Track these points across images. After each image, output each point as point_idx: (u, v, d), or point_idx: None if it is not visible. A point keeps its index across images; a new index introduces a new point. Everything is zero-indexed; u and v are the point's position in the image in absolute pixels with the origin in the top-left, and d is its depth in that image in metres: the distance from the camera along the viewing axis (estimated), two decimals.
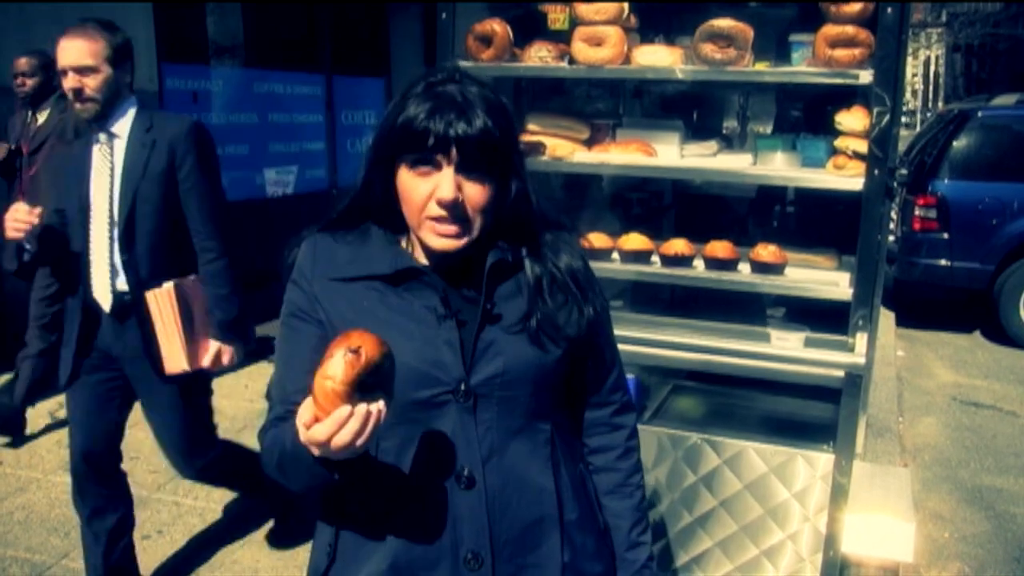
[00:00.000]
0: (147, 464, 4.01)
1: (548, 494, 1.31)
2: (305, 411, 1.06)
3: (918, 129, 15.25)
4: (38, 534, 3.41)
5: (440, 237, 1.22)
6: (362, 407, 1.05)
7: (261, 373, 4.98)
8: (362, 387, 1.05)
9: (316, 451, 1.08)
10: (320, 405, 1.04)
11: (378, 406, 1.07)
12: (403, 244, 1.32)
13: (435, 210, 1.20)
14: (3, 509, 3.59)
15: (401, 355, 1.22)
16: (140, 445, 4.21)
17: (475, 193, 1.21)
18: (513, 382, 1.27)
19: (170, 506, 3.64)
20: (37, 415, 4.55)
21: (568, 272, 1.33)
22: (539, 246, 1.32)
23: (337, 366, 1.04)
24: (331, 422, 1.04)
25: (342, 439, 1.04)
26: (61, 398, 4.77)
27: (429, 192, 1.20)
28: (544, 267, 1.31)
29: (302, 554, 3.24)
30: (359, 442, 1.05)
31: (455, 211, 1.20)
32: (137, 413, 4.57)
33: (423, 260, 1.30)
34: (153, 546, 3.34)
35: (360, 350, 1.04)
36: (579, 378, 1.41)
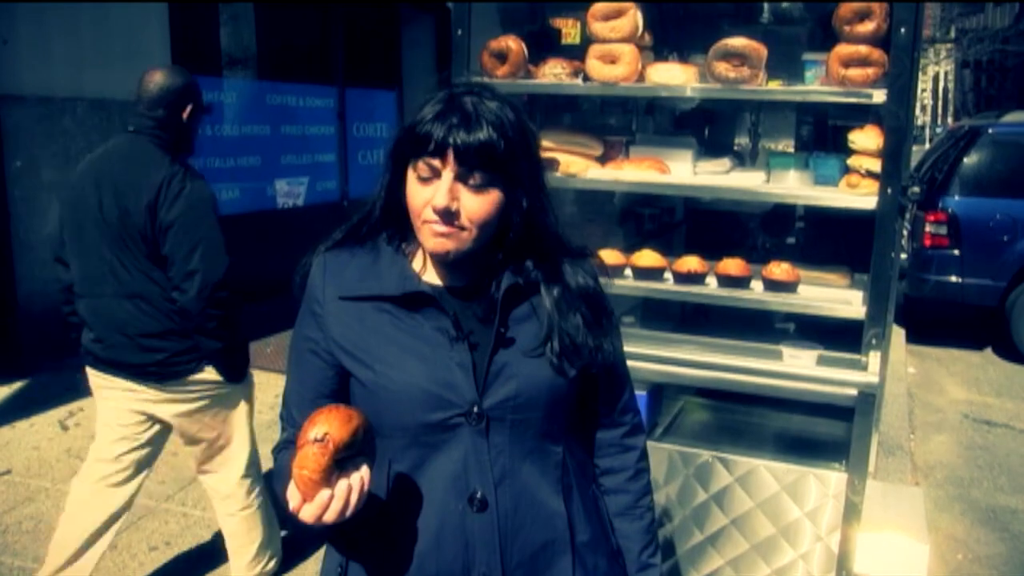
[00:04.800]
0: (156, 474, 4.02)
1: (559, 516, 1.31)
2: (292, 497, 1.12)
3: (927, 145, 15.24)
4: (46, 544, 3.39)
5: (435, 238, 1.22)
6: (342, 485, 1.11)
7: (271, 384, 4.98)
8: (339, 464, 1.11)
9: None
10: (302, 491, 1.10)
11: (360, 474, 1.12)
12: (415, 260, 1.32)
13: (430, 215, 1.20)
14: (12, 519, 3.59)
15: (413, 377, 1.23)
16: None
17: (472, 204, 1.20)
18: (526, 405, 1.26)
19: (178, 517, 3.64)
20: (46, 423, 4.57)
21: (583, 297, 1.32)
22: (557, 270, 1.31)
23: (308, 458, 1.09)
24: (315, 507, 1.10)
25: (329, 517, 1.10)
26: (71, 406, 4.80)
27: (428, 198, 1.20)
28: (562, 292, 1.30)
29: (310, 567, 3.24)
30: (348, 513, 1.11)
31: (449, 219, 1.20)
32: None
33: (435, 277, 1.30)
34: (161, 557, 3.34)
35: (326, 437, 1.09)
36: (591, 400, 1.41)
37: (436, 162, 1.19)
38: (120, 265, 2.59)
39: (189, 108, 2.71)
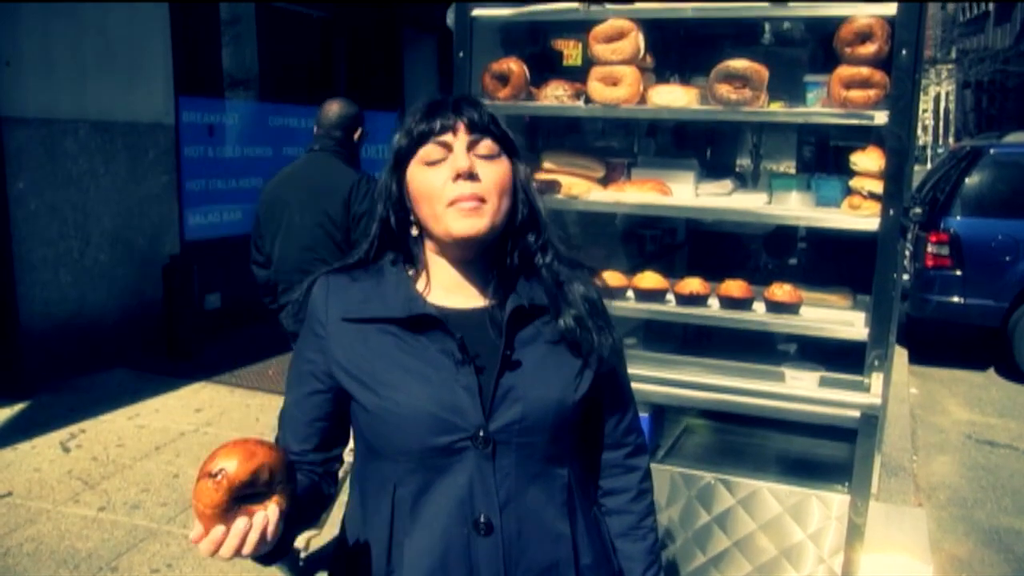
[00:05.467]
0: (157, 496, 4.01)
1: (564, 539, 1.30)
2: (194, 527, 1.08)
3: (929, 165, 15.28)
4: (47, 567, 3.39)
5: (463, 218, 1.22)
6: (239, 524, 1.05)
7: (272, 406, 4.97)
8: (241, 500, 1.06)
9: None
10: (200, 523, 1.06)
11: (266, 514, 1.07)
12: (419, 283, 1.31)
13: (453, 191, 1.22)
14: (12, 541, 3.57)
15: (419, 400, 1.23)
16: (151, 477, 4.21)
17: (488, 172, 1.24)
18: (532, 428, 1.26)
19: (180, 539, 3.63)
20: (47, 445, 4.56)
21: (585, 304, 1.33)
22: (558, 274, 1.33)
23: (203, 492, 1.04)
24: (208, 542, 1.05)
25: (224, 553, 1.06)
26: (72, 428, 4.80)
27: (445, 177, 1.23)
28: (566, 303, 1.31)
29: None
30: (246, 551, 1.06)
31: (474, 183, 1.23)
32: (147, 444, 4.58)
33: (440, 300, 1.30)
34: None
35: (221, 473, 1.04)
36: (595, 420, 1.41)
37: (447, 136, 1.24)
38: (311, 255, 3.12)
39: (359, 131, 3.41)
